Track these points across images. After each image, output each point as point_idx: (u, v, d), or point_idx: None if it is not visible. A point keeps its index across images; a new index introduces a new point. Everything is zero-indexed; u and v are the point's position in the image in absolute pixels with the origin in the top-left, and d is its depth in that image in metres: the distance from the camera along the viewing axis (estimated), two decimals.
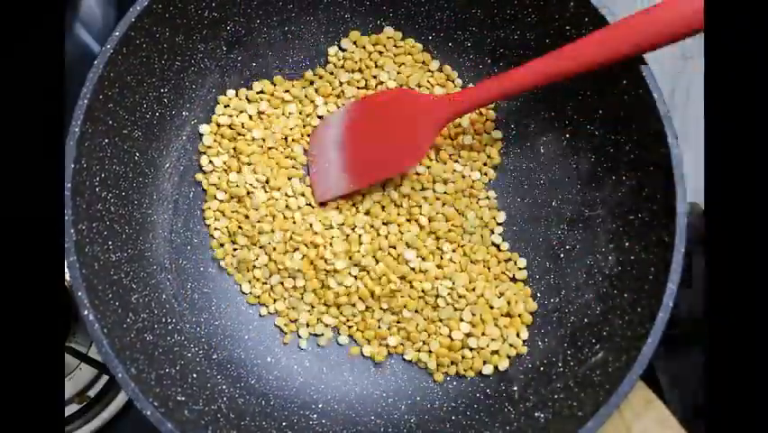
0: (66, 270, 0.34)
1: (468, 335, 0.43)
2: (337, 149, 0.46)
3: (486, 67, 0.48)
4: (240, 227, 0.45)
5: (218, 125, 0.47)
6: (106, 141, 0.38)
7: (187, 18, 0.42)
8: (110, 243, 0.38)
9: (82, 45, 0.55)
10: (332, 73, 0.49)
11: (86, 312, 0.33)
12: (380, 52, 0.48)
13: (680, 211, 0.36)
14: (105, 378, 0.49)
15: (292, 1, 0.46)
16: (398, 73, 0.48)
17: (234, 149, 0.46)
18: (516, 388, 0.41)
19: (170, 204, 0.45)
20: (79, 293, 0.34)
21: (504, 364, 0.43)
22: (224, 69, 0.46)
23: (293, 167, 0.47)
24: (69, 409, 0.48)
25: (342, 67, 0.48)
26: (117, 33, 0.37)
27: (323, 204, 0.47)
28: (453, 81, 0.48)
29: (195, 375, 0.39)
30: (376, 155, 0.45)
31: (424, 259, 0.45)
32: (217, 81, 0.46)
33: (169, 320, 0.41)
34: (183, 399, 0.36)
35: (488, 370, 0.43)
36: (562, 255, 0.44)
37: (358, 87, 0.48)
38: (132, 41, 0.38)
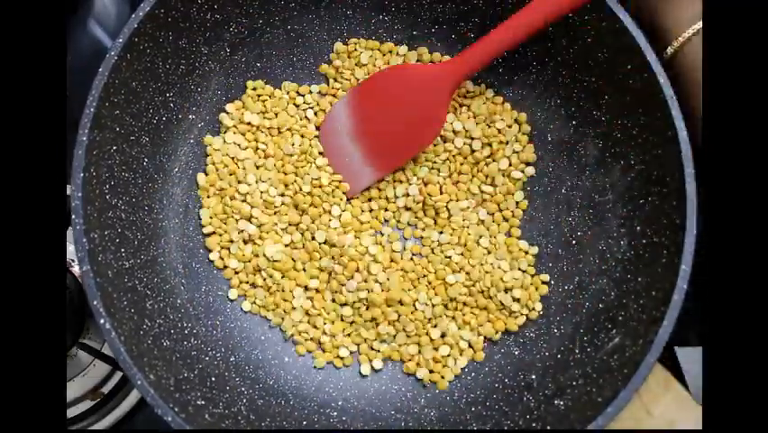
0: (80, 276, 0.33)
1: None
2: (352, 141, 0.46)
3: None
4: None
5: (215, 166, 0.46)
6: (114, 148, 0.38)
7: (190, 21, 0.42)
8: (123, 250, 0.38)
9: (97, 42, 0.56)
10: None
11: (102, 321, 0.33)
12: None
13: (690, 192, 0.36)
14: (118, 374, 0.49)
15: (294, 0, 0.46)
16: None
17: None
18: (534, 376, 0.41)
19: (181, 208, 0.44)
20: (95, 302, 0.33)
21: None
22: (229, 71, 0.46)
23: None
24: (83, 406, 0.48)
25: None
26: (120, 40, 0.37)
27: (349, 199, 0.46)
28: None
29: (213, 378, 0.39)
30: (393, 139, 0.44)
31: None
32: (222, 83, 0.46)
33: (185, 325, 0.41)
34: (203, 402, 0.36)
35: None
36: (574, 242, 0.44)
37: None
38: (135, 47, 0.38)
